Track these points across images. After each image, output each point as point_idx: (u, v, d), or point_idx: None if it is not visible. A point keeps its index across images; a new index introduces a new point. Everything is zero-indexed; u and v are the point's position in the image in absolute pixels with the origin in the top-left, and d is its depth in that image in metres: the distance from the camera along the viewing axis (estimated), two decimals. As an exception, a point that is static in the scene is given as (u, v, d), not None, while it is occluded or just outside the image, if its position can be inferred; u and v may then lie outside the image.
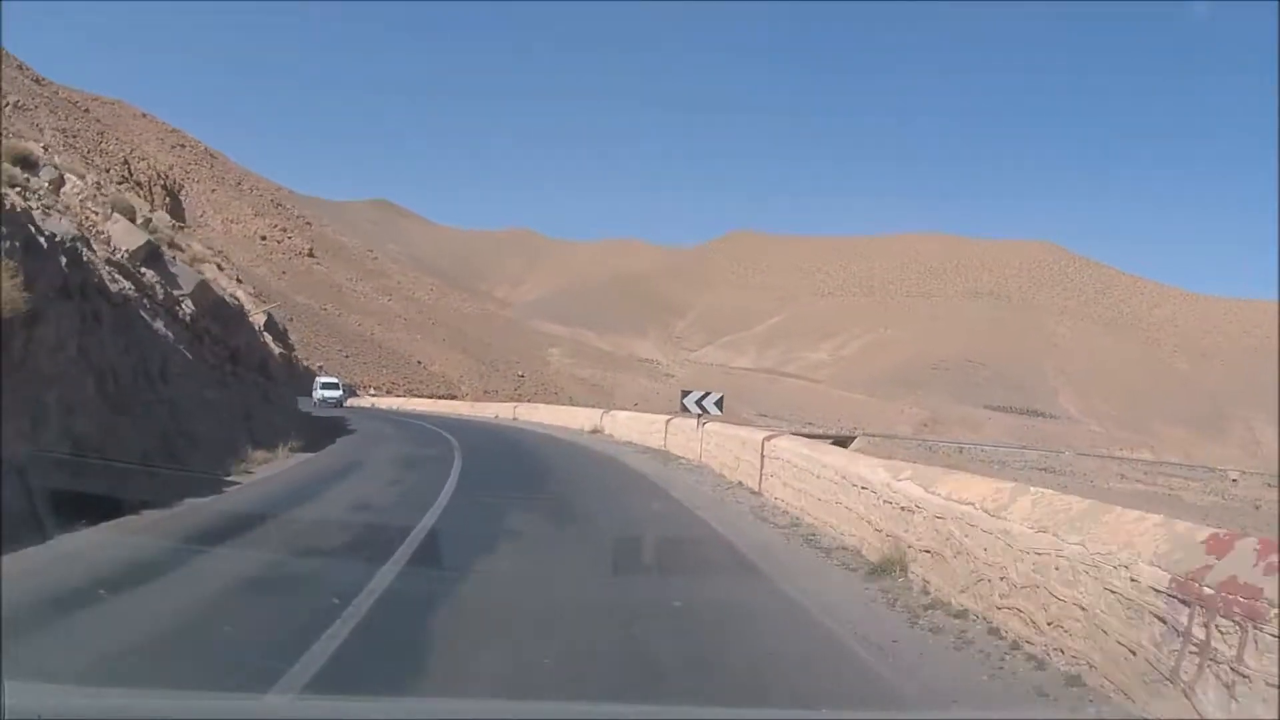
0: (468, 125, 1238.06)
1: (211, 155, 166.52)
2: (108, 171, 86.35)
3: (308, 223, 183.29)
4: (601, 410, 39.78)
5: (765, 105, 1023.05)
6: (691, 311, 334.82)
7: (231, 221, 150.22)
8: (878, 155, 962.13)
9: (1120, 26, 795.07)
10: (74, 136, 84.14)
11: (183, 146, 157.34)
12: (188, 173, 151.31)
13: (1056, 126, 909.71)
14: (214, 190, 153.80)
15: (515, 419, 46.97)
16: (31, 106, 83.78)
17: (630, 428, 30.86)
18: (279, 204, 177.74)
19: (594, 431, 33.95)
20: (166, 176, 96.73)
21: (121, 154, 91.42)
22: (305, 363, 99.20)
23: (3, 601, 5.66)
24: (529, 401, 73.33)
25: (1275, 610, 3.89)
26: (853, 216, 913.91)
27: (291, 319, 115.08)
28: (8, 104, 79.90)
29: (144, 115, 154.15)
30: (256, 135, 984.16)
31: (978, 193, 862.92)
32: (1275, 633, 3.82)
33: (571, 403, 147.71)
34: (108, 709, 3.69)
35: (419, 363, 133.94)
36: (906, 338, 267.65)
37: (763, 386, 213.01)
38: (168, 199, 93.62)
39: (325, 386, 60.14)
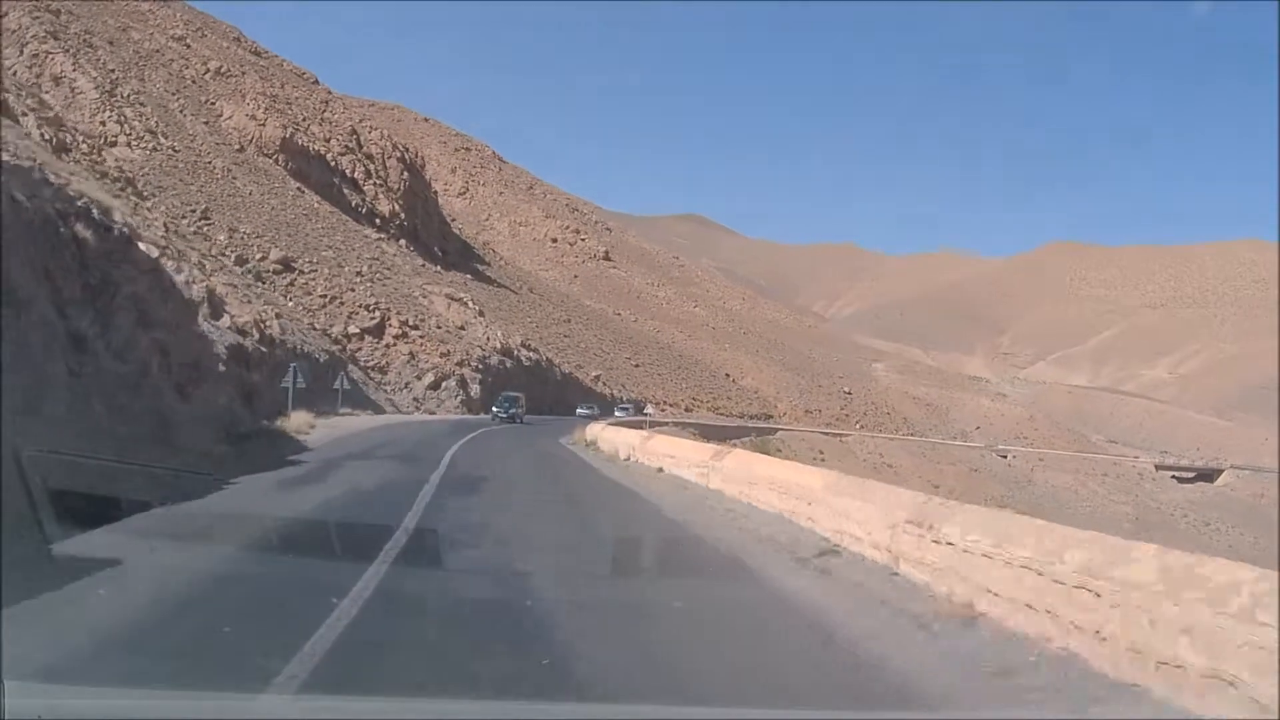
0: (784, 141, 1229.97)
1: (500, 160, 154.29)
2: (327, 141, 70.76)
3: (607, 228, 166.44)
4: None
5: (1078, 114, 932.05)
6: (1015, 326, 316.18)
7: (519, 224, 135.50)
8: (1196, 160, 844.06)
9: None
10: (288, 104, 71.76)
11: (467, 150, 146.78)
12: (472, 175, 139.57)
13: None
14: (501, 193, 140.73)
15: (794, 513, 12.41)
16: (237, 73, 75.74)
17: None
18: (574, 208, 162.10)
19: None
20: (405, 150, 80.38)
21: (348, 123, 76.10)
22: (591, 379, 77.44)
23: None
24: (846, 429, 38.20)
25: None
26: (1172, 223, 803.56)
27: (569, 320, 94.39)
28: (208, 70, 68.41)
29: (425, 120, 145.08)
30: (565, 150, 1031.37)
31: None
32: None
33: (907, 427, 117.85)
34: (108, 709, 3.52)
35: (727, 375, 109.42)
36: (1249, 354, 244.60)
37: (1105, 408, 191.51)
38: (405, 174, 76.72)
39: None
